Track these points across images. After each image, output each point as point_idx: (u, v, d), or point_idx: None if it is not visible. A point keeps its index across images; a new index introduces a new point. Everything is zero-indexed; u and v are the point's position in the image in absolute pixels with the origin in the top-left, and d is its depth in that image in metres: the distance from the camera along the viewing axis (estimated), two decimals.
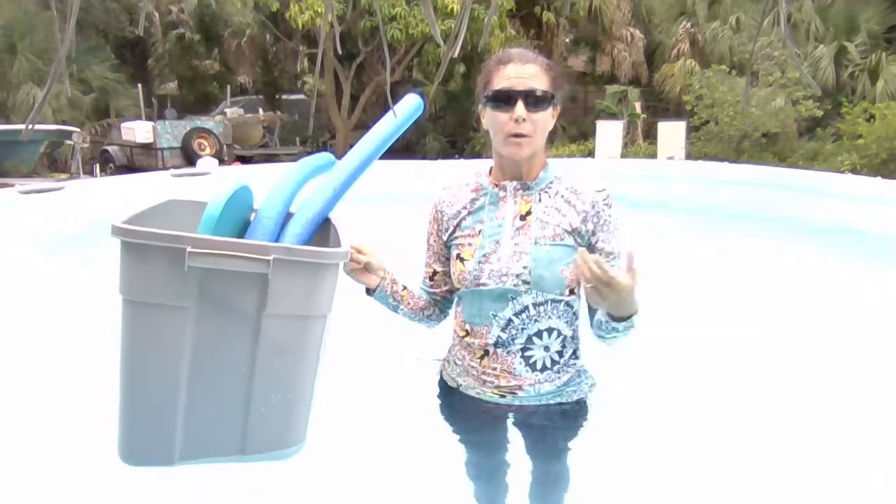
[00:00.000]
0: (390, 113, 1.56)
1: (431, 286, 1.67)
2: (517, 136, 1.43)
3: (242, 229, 1.46)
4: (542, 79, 1.44)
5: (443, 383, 1.67)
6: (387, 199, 7.10)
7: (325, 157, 1.58)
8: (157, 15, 19.24)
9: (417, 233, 1.67)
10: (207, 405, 1.27)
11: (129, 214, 1.29)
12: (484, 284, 1.49)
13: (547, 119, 1.46)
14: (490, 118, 1.48)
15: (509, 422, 1.65)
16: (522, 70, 1.43)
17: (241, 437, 1.29)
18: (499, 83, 1.44)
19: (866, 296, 4.49)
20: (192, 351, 1.22)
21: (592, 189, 1.51)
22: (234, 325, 1.22)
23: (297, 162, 1.57)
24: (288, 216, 1.47)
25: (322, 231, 1.47)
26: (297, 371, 1.30)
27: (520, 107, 1.41)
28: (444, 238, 1.59)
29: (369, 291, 1.62)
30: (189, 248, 1.14)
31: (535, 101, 1.42)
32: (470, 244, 1.52)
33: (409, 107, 1.56)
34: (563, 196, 1.50)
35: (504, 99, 1.43)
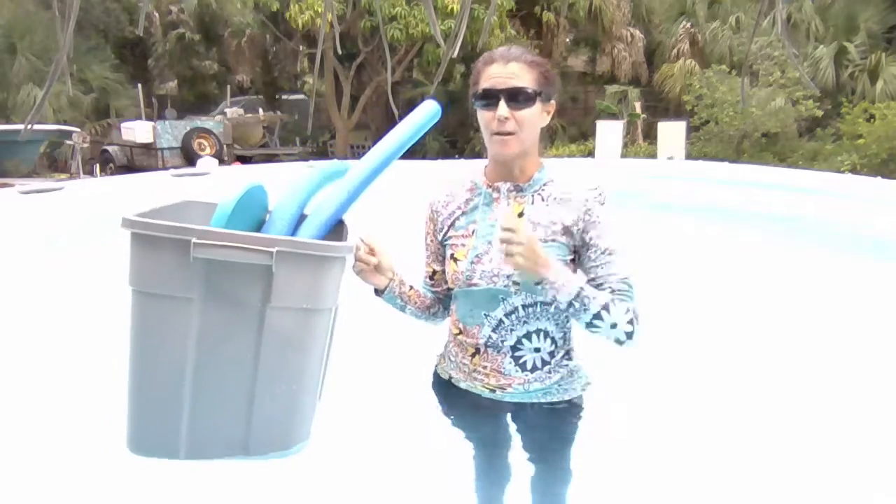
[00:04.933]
0: (407, 118, 1.57)
1: (432, 285, 1.69)
2: (501, 133, 1.44)
3: (257, 230, 1.47)
4: (525, 76, 1.44)
5: (437, 376, 1.70)
6: (387, 199, 7.09)
7: (340, 164, 1.60)
8: (157, 15, 19.25)
9: (418, 232, 1.68)
10: (212, 396, 1.27)
11: (146, 209, 1.31)
12: (475, 284, 1.50)
13: (534, 116, 1.46)
14: (479, 118, 1.50)
15: (503, 415, 1.66)
16: (505, 69, 1.44)
17: (246, 432, 1.30)
18: (483, 83, 1.46)
19: (866, 295, 4.49)
20: (196, 342, 1.23)
21: (585, 187, 1.50)
22: (238, 317, 1.23)
23: (313, 168, 1.58)
24: (302, 218, 1.49)
25: (335, 233, 1.49)
26: (301, 363, 1.31)
27: (502, 106, 1.42)
28: (440, 238, 1.60)
29: (378, 292, 1.63)
30: (194, 240, 1.16)
31: (517, 98, 1.43)
32: (463, 244, 1.53)
33: (426, 113, 1.56)
34: (555, 198, 1.50)
35: (487, 98, 1.45)
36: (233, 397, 1.28)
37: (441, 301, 1.71)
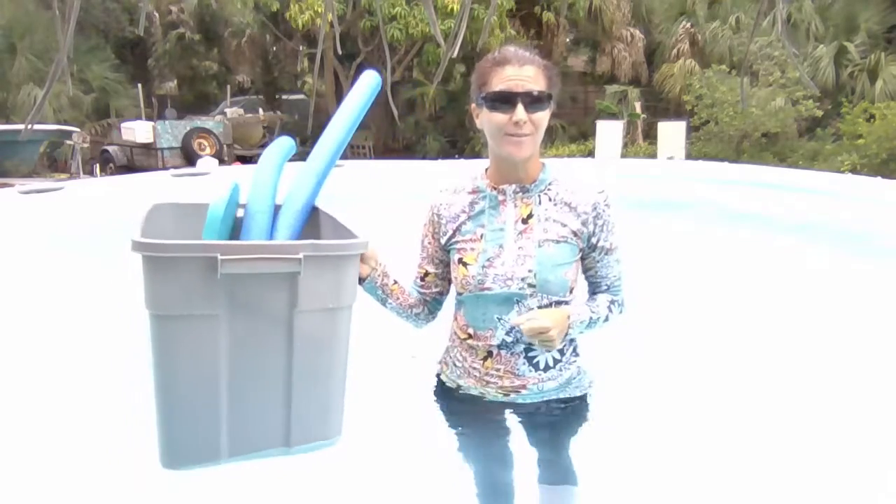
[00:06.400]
0: (349, 96, 1.57)
1: (422, 286, 1.67)
2: (517, 135, 1.43)
3: (235, 226, 1.47)
4: (540, 80, 1.44)
5: (441, 384, 1.67)
6: (386, 199, 7.10)
7: (284, 141, 1.60)
8: (157, 15, 19.25)
9: (417, 233, 1.67)
10: (249, 406, 1.28)
11: (140, 225, 1.29)
12: (489, 289, 1.49)
13: (546, 118, 1.47)
14: (487, 119, 1.47)
15: (512, 418, 1.65)
16: (521, 72, 1.43)
17: (286, 432, 1.31)
18: (497, 84, 1.43)
19: (866, 295, 4.50)
20: (227, 356, 1.22)
21: (593, 190, 1.51)
22: (267, 325, 1.24)
23: (264, 154, 1.57)
24: (276, 208, 1.49)
25: (311, 220, 1.49)
26: (331, 361, 1.32)
27: (520, 109, 1.41)
28: (442, 242, 1.58)
29: (359, 281, 1.61)
30: (220, 256, 1.15)
31: (534, 102, 1.42)
32: (472, 248, 1.52)
33: (368, 84, 1.57)
34: (562, 198, 1.51)
35: (503, 100, 1.42)
36: (269, 402, 1.28)
37: (427, 304, 1.69)
